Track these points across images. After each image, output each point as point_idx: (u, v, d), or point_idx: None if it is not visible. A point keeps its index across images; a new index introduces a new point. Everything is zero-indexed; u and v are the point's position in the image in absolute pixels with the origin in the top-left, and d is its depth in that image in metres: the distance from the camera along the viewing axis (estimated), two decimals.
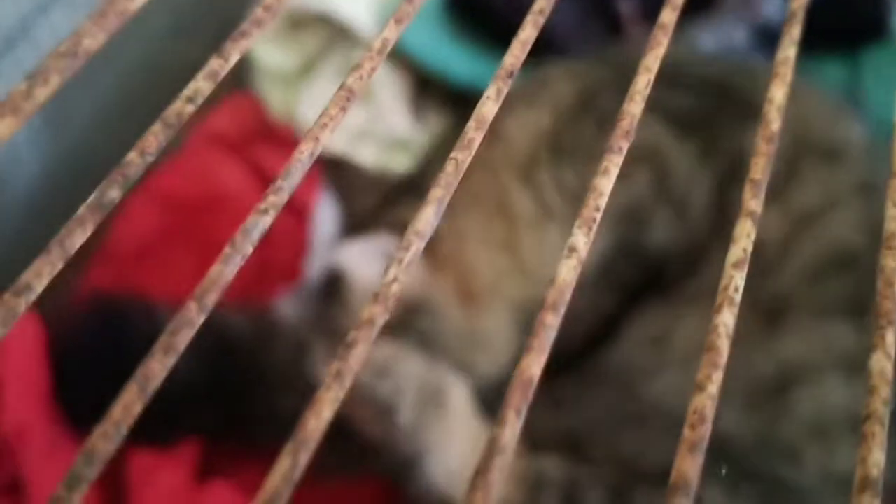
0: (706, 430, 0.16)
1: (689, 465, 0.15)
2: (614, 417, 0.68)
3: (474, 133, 0.20)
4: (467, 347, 0.70)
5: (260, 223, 0.18)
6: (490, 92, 0.21)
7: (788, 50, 0.24)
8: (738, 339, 0.74)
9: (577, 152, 0.70)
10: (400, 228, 0.68)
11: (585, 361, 0.70)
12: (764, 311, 0.65)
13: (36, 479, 0.67)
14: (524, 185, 0.71)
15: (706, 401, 0.17)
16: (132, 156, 0.19)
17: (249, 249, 0.18)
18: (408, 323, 0.69)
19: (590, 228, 0.18)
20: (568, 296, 0.17)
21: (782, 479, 0.64)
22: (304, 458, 0.15)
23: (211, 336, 0.74)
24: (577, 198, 0.70)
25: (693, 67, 0.77)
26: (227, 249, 0.17)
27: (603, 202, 0.19)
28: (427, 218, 0.18)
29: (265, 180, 0.90)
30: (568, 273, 0.17)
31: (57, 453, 0.69)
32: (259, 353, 0.77)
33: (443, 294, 0.70)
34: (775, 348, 0.66)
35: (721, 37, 0.85)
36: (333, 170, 0.86)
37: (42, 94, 0.19)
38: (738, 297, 0.19)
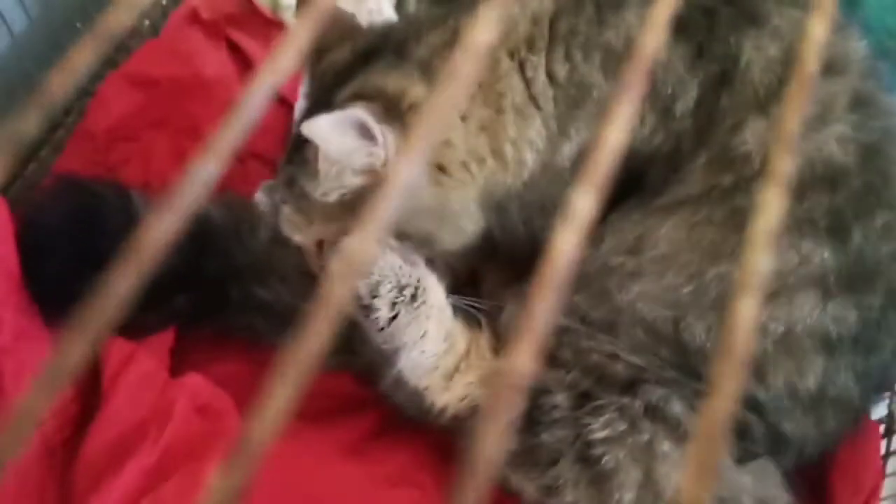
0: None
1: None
2: (586, 323, 0.67)
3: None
4: (435, 222, 0.69)
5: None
6: None
7: None
8: (712, 249, 0.72)
9: (572, 38, 0.67)
10: (371, 97, 0.65)
11: None
12: (741, 221, 0.63)
13: (6, 360, 0.66)
14: (518, 69, 0.67)
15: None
16: None
17: None
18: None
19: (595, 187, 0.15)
20: (566, 273, 0.14)
21: (750, 395, 0.64)
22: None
23: (189, 225, 0.72)
24: (564, 91, 0.67)
25: None
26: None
27: (612, 159, 0.16)
28: (407, 172, 0.15)
29: (246, 64, 0.87)
30: (565, 243, 0.14)
31: (27, 335, 0.68)
32: (236, 242, 0.75)
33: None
34: None
35: None
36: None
37: None
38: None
